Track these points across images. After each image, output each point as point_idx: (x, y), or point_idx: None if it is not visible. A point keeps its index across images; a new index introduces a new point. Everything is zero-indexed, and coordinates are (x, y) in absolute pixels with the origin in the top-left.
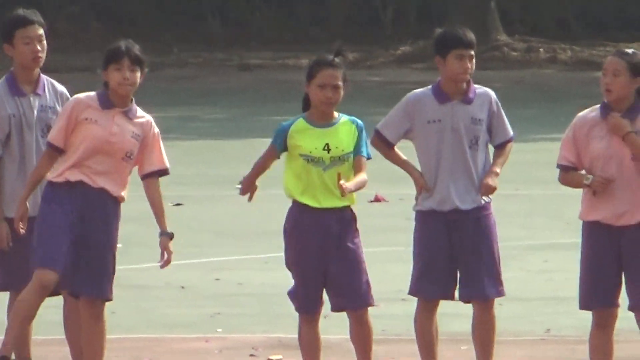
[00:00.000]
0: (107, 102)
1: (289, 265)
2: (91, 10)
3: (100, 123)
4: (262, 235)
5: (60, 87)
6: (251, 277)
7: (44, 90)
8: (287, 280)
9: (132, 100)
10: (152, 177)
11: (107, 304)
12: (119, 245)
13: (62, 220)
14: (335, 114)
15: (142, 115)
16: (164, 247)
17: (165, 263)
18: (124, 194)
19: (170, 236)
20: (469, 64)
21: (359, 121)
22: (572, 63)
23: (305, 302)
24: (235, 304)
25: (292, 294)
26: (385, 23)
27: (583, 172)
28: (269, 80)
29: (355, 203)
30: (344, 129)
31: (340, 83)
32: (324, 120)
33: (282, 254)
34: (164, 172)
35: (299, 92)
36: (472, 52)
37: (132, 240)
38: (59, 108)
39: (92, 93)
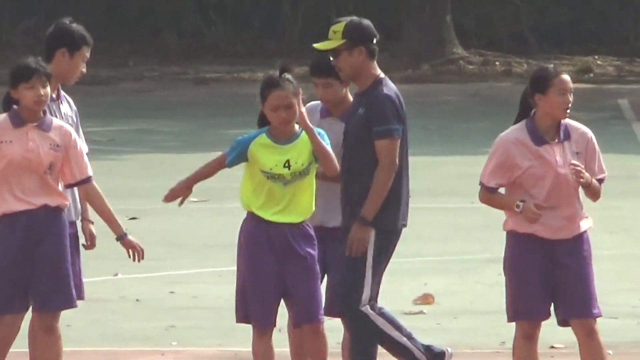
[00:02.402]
0: (18, 120)
1: (242, 278)
2: (46, 24)
3: (15, 142)
4: (217, 248)
5: (69, 100)
6: (206, 290)
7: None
8: None
9: (44, 112)
10: (84, 184)
11: (62, 316)
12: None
13: (9, 261)
14: (297, 128)
15: (60, 125)
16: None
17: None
18: (62, 199)
19: (123, 236)
20: None
21: (321, 130)
22: (528, 76)
23: (260, 314)
24: (190, 317)
25: (242, 305)
26: None
27: (501, 190)
28: (225, 94)
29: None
30: (304, 143)
31: (292, 101)
32: (285, 137)
33: (236, 267)
34: (87, 180)
35: (254, 106)
36: None
37: (86, 253)
38: (75, 118)
39: (2, 115)
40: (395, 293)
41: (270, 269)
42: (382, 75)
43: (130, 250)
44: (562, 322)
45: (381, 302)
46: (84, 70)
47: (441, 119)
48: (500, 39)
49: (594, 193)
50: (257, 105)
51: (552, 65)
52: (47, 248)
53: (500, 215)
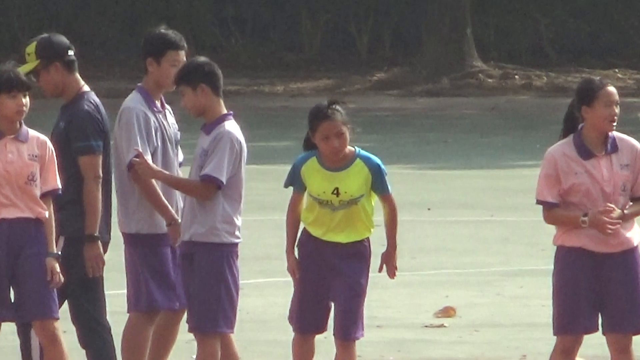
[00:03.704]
0: None
1: (295, 284)
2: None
3: None
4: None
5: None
6: None
7: (165, 108)
8: (262, 307)
9: (21, 123)
10: (46, 197)
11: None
12: None
13: None
14: (351, 151)
15: (36, 135)
16: (50, 268)
17: (55, 284)
18: (41, 211)
19: (57, 257)
20: None
21: (375, 161)
22: (548, 89)
23: (300, 321)
24: None
25: (291, 311)
26: (360, 49)
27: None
28: (245, 107)
29: (372, 232)
30: (355, 172)
31: (342, 129)
32: (336, 164)
33: (256, 280)
34: (56, 191)
35: (274, 118)
36: None
37: (108, 265)
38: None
39: None
40: (416, 306)
41: (315, 279)
42: (85, 88)
43: (49, 271)
44: (606, 333)
45: (402, 315)
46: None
47: (460, 133)
48: (520, 52)
49: (634, 216)
50: (278, 118)
51: (598, 78)
52: (31, 261)
53: (520, 228)
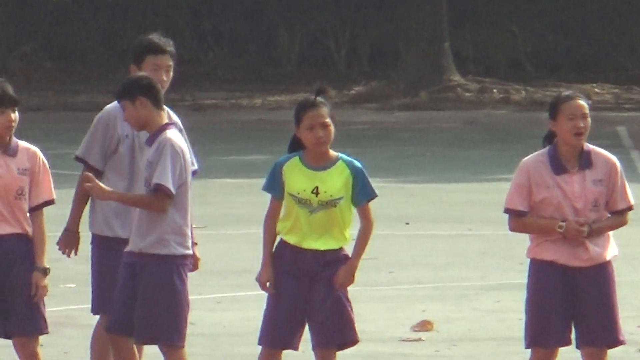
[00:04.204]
0: None
1: (269, 299)
2: (43, 50)
3: None
4: (215, 275)
5: (175, 117)
6: (204, 317)
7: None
8: (240, 320)
9: (10, 137)
10: (38, 209)
11: (62, 344)
12: (72, 285)
13: None
14: (334, 155)
15: (27, 147)
16: (35, 282)
17: (38, 297)
18: (29, 228)
19: (44, 272)
20: None
21: (357, 164)
22: (526, 103)
23: (272, 334)
24: (187, 344)
25: (263, 329)
26: (338, 63)
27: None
28: (222, 120)
29: (348, 243)
30: (337, 173)
31: (328, 120)
32: (318, 163)
33: (234, 294)
34: (50, 202)
35: (251, 132)
36: None
37: (87, 279)
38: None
39: None
40: (393, 320)
41: (291, 292)
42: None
43: (33, 285)
44: (580, 347)
45: (380, 329)
46: (165, 77)
47: (438, 147)
48: (498, 66)
49: (609, 229)
50: (256, 131)
51: (569, 92)
52: (18, 277)
53: (497, 242)
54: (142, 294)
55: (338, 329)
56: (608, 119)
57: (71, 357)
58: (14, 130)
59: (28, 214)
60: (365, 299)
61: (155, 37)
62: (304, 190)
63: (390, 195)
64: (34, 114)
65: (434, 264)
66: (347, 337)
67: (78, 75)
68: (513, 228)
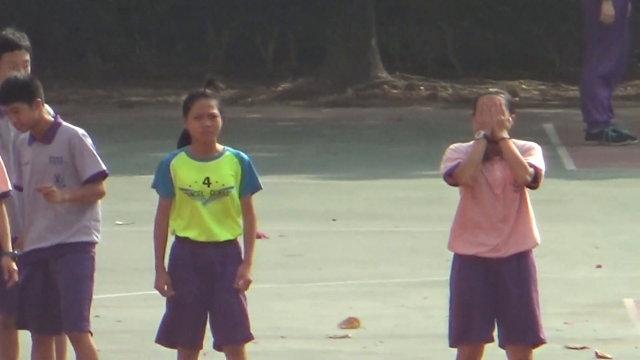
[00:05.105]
0: None
1: (169, 301)
2: None
3: None
4: (142, 272)
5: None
6: (131, 314)
7: None
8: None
9: None
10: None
11: None
12: None
13: None
14: (220, 147)
15: None
16: (6, 267)
17: (12, 282)
18: None
19: (12, 256)
20: None
21: (245, 156)
22: (453, 100)
23: (186, 336)
24: (115, 341)
25: (167, 328)
26: (266, 59)
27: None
28: (149, 117)
29: (241, 233)
30: (226, 163)
31: (215, 111)
32: (205, 154)
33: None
34: (6, 194)
35: (179, 129)
36: None
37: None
38: None
39: None
40: (320, 317)
41: (194, 290)
42: None
43: (5, 270)
44: (502, 345)
45: (307, 326)
46: (24, 73)
47: (365, 143)
48: (425, 63)
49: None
50: (182, 128)
51: (490, 89)
52: None
53: (425, 239)
54: (64, 283)
55: (239, 325)
56: (535, 116)
57: None
58: None
59: None
60: (292, 296)
61: (10, 33)
62: (195, 182)
63: (317, 192)
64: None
65: (361, 260)
66: (244, 334)
67: None
68: (456, 180)
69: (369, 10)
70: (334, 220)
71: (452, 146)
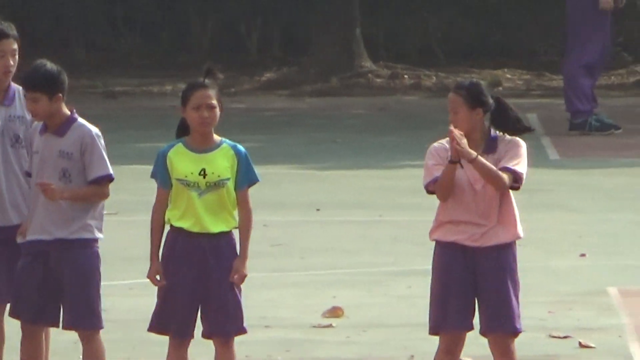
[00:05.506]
0: None
1: (162, 290)
2: None
3: None
4: (127, 261)
5: None
6: (116, 303)
7: (14, 100)
8: (152, 306)
9: None
10: None
11: None
12: None
13: None
14: (217, 139)
15: None
16: None
17: None
18: None
19: None
20: None
21: (241, 148)
22: (437, 89)
23: (177, 326)
24: (102, 331)
25: (158, 318)
26: (250, 49)
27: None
28: (134, 107)
29: (236, 225)
30: (222, 155)
31: (214, 102)
32: (203, 145)
33: (146, 280)
34: None
35: (163, 119)
36: None
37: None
38: (28, 117)
39: None
40: (304, 306)
41: (186, 280)
42: None
43: None
44: (483, 334)
45: (291, 315)
46: (12, 62)
47: (350, 133)
48: (409, 52)
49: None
50: (167, 119)
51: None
52: None
53: (409, 228)
54: (70, 280)
55: (231, 317)
56: (519, 105)
57: None
58: None
59: None
60: (276, 285)
61: None
62: (192, 173)
63: (301, 182)
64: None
65: (345, 249)
66: (237, 327)
67: None
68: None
69: (353, 1)
70: (317, 210)
71: (432, 148)
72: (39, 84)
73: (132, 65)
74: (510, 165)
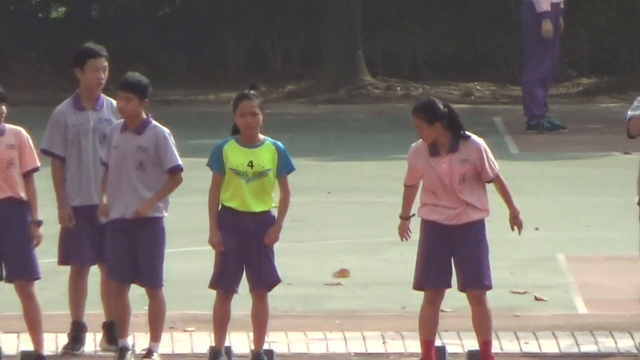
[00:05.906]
0: None
1: (218, 253)
2: (45, 56)
3: None
4: (177, 234)
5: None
6: (170, 267)
7: (103, 106)
8: (199, 271)
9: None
10: (29, 175)
11: (59, 288)
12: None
13: None
14: (261, 137)
15: (12, 128)
16: (33, 233)
17: (35, 245)
18: (22, 193)
19: (38, 224)
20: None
21: (280, 145)
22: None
23: (225, 282)
24: None
25: (216, 276)
26: (275, 66)
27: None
28: (183, 112)
29: (274, 205)
30: (266, 150)
31: (256, 110)
32: (250, 142)
33: (197, 248)
34: (36, 169)
35: (206, 121)
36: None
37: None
38: (114, 120)
39: None
40: (317, 268)
41: (234, 248)
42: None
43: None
44: (461, 290)
45: (308, 276)
46: (103, 76)
47: (354, 132)
48: (401, 69)
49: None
50: (209, 122)
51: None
52: (14, 229)
53: (399, 207)
54: (145, 249)
55: (267, 274)
56: (487, 111)
57: (67, 297)
58: (2, 120)
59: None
60: (295, 252)
61: (92, 45)
62: (242, 164)
63: (315, 171)
64: (33, 107)
65: (350, 224)
66: (274, 279)
67: (66, 77)
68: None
69: (355, 28)
70: (329, 193)
71: (411, 149)
72: (136, 86)
73: (181, 78)
74: (492, 173)
